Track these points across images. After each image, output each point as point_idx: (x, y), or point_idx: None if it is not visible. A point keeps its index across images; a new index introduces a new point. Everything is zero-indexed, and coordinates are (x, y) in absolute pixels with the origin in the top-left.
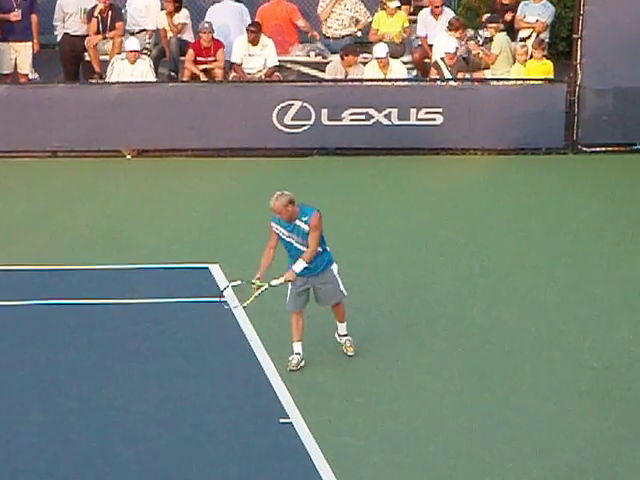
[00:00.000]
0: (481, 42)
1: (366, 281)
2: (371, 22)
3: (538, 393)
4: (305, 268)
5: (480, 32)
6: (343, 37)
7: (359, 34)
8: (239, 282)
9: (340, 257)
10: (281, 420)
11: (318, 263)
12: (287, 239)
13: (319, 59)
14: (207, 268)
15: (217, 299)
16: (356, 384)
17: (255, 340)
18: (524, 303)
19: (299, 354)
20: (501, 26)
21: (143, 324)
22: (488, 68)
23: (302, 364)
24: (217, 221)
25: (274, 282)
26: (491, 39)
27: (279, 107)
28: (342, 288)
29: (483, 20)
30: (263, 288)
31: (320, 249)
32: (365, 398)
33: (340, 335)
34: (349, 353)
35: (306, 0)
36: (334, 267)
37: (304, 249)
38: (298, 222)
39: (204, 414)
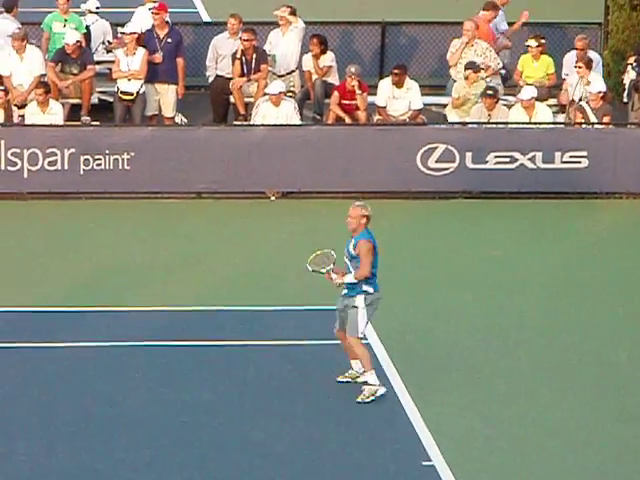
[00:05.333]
0: (627, 84)
1: (508, 323)
2: (501, 68)
3: None
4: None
5: (625, 75)
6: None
7: (488, 80)
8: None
9: (481, 299)
10: (423, 462)
11: (350, 287)
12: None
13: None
14: None
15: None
16: (499, 427)
17: (397, 381)
18: None
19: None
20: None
21: (281, 365)
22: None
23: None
24: None
25: (333, 275)
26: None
27: (423, 150)
28: (359, 326)
29: (629, 63)
30: (326, 269)
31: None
32: (507, 441)
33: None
34: (358, 399)
35: (436, 44)
36: (359, 298)
37: (348, 263)
38: (352, 239)
39: (346, 455)
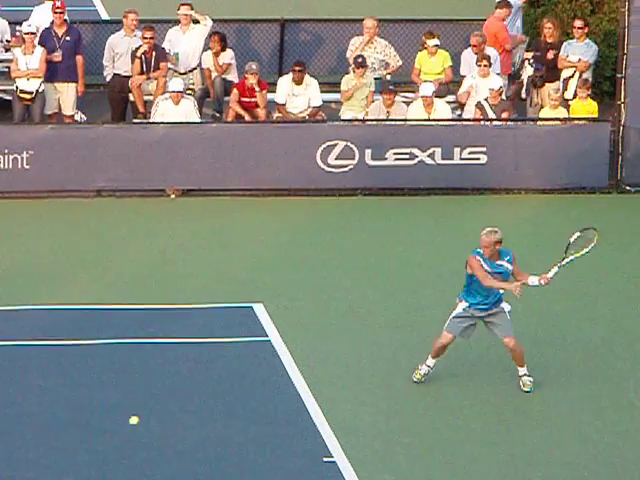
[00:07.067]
0: (525, 81)
1: (411, 320)
2: (401, 66)
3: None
4: (477, 303)
5: (522, 70)
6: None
7: (388, 77)
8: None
9: (383, 295)
10: (325, 459)
11: (491, 299)
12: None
13: None
14: (251, 307)
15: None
16: (400, 424)
17: (299, 380)
18: (568, 339)
19: (429, 367)
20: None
21: (186, 364)
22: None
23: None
24: (261, 261)
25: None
26: (540, 79)
27: (323, 147)
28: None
29: (526, 58)
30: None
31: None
32: (409, 438)
33: (520, 376)
34: (525, 389)
35: (336, 42)
36: (505, 303)
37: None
38: (502, 262)
39: (247, 453)
